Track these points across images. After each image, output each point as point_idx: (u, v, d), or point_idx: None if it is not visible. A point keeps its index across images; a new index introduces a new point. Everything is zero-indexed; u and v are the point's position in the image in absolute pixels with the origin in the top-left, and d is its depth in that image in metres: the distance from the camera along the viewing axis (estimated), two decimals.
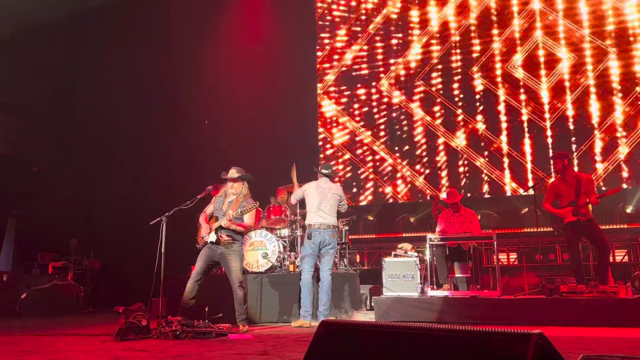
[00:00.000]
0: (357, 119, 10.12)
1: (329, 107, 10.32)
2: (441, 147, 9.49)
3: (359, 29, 10.35)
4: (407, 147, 9.71)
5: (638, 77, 8.51)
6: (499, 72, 9.32)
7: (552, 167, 8.20)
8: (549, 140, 8.85)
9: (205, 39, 10.52)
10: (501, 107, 9.22)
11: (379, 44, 10.17)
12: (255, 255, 6.51)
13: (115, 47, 10.35)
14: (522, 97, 9.11)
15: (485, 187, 9.09)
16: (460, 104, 9.51)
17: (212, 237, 5.07)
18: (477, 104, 9.41)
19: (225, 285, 5.23)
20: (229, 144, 9.58)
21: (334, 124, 10.25)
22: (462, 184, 9.22)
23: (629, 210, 7.84)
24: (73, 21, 10.52)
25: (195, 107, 10.27)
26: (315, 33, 10.60)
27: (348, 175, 9.95)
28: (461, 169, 9.31)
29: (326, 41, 10.57)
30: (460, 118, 9.45)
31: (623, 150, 8.37)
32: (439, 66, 9.73)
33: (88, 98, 10.51)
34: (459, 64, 9.61)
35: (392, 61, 10.02)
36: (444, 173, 9.41)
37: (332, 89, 10.38)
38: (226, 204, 5.20)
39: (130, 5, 10.62)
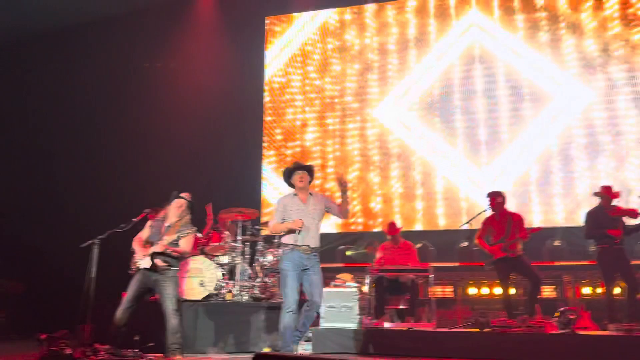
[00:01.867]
0: (301, 146, 10.17)
1: (273, 131, 10.33)
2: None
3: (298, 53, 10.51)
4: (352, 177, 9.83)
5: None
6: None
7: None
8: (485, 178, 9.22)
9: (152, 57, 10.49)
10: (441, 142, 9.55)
11: (314, 73, 10.35)
12: (192, 283, 6.33)
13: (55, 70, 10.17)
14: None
15: (424, 220, 9.31)
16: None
17: (146, 263, 4.90)
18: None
19: (158, 313, 5.05)
20: (169, 167, 9.43)
21: (278, 145, 10.26)
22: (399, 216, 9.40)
23: (556, 243, 8.21)
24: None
25: (135, 129, 10.03)
26: (263, 58, 10.67)
27: None
28: (396, 202, 9.49)
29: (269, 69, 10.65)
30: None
31: (558, 191, 8.86)
32: (376, 95, 9.99)
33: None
34: (398, 94, 9.89)
35: (329, 87, 10.19)
36: (379, 206, 9.56)
37: (270, 113, 10.41)
38: (164, 229, 5.07)
39: (77, 28, 10.47)
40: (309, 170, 4.97)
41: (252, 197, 9.66)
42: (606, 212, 6.22)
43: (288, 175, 4.97)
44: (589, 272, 7.54)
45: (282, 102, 10.44)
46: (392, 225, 7.32)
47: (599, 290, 7.37)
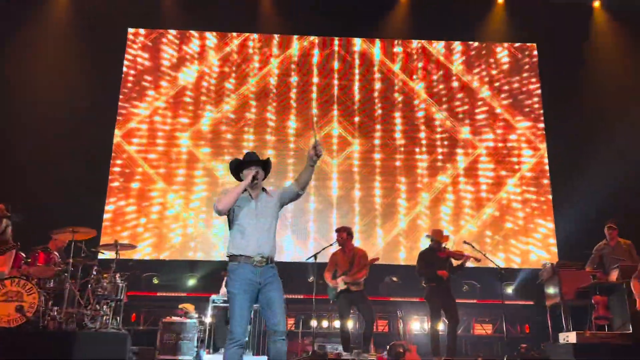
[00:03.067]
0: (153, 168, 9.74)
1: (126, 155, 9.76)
2: None
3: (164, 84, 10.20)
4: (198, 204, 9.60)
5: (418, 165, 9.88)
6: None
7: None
8: (334, 213, 9.61)
9: None
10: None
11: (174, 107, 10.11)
12: (7, 308, 5.58)
13: None
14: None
15: (287, 253, 9.40)
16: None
17: None
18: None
19: None
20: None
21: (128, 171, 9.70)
22: None
23: (394, 279, 8.68)
24: None
25: None
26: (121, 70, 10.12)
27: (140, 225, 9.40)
28: None
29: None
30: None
31: (401, 229, 9.51)
32: (231, 130, 10.01)
33: None
34: (250, 132, 10.01)
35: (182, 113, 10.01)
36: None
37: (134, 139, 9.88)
38: None
39: None
40: (265, 165, 3.98)
41: (92, 216, 8.94)
42: (437, 254, 6.79)
43: (236, 169, 4.01)
44: (419, 308, 8.13)
45: (134, 115, 9.94)
46: None
47: (426, 325, 7.97)
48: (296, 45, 10.45)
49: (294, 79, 10.29)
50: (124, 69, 10.10)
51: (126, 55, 10.18)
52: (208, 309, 6.48)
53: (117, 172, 9.64)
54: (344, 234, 6.83)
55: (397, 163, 9.94)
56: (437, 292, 6.60)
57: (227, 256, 3.75)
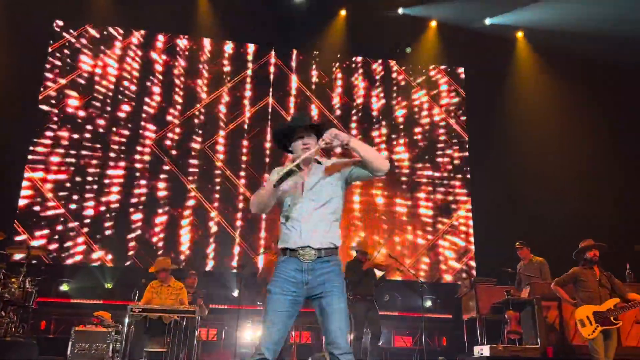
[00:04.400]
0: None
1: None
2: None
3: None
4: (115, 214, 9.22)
5: None
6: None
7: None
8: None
9: None
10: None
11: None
12: None
13: None
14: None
15: (211, 263, 9.20)
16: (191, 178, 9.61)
17: None
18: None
19: None
20: None
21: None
22: (184, 257, 9.12)
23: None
24: None
25: None
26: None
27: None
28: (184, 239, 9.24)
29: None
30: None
31: None
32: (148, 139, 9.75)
33: None
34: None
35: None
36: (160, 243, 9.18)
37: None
38: None
39: None
40: (317, 130, 3.03)
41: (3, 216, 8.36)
42: (361, 264, 6.88)
43: (282, 138, 3.12)
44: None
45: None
46: (160, 262, 7.01)
47: (351, 336, 8.03)
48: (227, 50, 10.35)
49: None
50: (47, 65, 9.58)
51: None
52: (126, 317, 6.19)
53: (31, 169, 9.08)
54: (272, 245, 6.82)
55: None
56: (361, 304, 6.68)
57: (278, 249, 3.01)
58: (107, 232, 9.04)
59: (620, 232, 8.36)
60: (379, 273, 6.86)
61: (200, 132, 9.83)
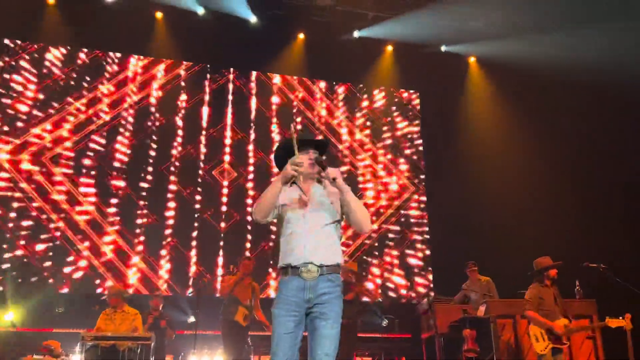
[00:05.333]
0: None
1: None
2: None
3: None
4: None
5: None
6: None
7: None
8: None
9: None
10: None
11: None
12: None
13: None
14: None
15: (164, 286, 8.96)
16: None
17: None
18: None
19: None
20: None
21: None
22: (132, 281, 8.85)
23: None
24: None
25: None
26: None
27: None
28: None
29: None
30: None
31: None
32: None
33: None
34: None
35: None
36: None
37: None
38: None
39: None
40: (322, 147, 3.10)
41: None
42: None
43: (284, 155, 3.07)
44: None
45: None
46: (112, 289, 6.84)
47: None
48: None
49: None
50: None
51: None
52: (77, 346, 5.96)
53: None
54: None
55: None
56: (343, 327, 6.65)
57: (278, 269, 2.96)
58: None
59: (570, 249, 8.67)
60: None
61: (153, 153, 9.62)
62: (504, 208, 9.80)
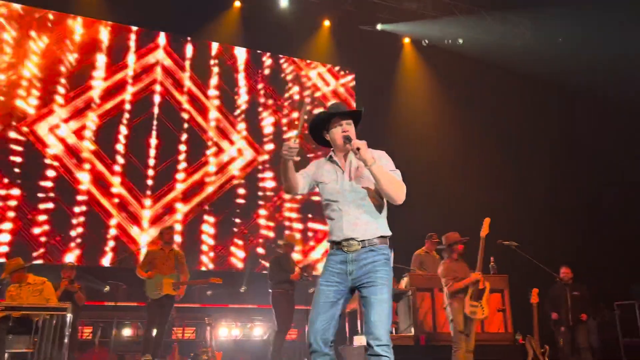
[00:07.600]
0: None
1: None
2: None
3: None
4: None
5: None
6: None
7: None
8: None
9: None
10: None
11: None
12: None
13: None
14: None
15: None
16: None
17: None
18: None
19: None
20: None
21: None
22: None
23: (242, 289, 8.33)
24: None
25: None
26: None
27: None
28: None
29: None
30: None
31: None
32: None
33: None
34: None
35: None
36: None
37: None
38: None
39: None
40: (356, 117, 3.05)
41: None
42: (290, 259, 6.85)
43: (319, 127, 3.04)
44: (228, 314, 8.13)
45: None
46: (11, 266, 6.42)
47: (236, 332, 7.97)
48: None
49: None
50: None
51: None
52: None
53: None
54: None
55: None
56: (286, 297, 6.63)
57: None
58: None
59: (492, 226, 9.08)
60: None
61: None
62: (434, 188, 10.06)
